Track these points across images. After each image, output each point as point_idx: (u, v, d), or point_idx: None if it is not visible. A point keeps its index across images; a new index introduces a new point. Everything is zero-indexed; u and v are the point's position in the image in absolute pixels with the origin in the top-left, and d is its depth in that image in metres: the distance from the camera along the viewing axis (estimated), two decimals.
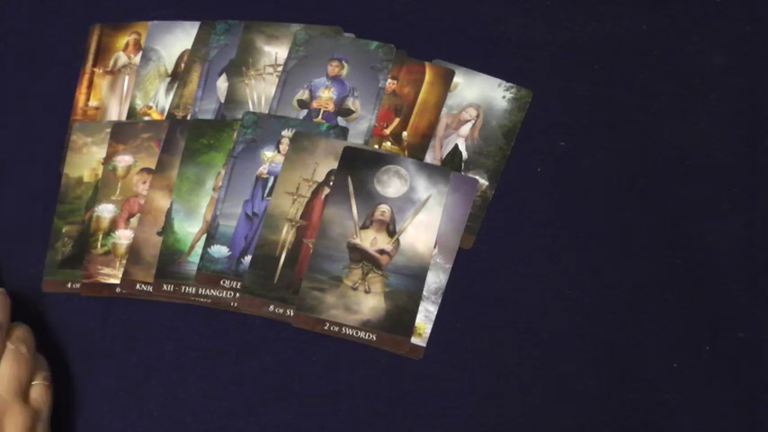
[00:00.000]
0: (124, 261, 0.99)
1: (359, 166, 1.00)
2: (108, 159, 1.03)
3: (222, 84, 1.05)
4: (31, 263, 1.00)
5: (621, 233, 0.98)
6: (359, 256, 0.97)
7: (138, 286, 0.98)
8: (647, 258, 0.97)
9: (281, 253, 0.98)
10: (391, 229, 0.98)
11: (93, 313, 0.98)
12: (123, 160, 1.03)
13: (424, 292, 0.96)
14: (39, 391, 0.89)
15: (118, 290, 0.98)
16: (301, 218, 0.99)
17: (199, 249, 0.99)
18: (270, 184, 1.00)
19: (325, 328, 0.96)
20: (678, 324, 0.95)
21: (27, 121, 1.06)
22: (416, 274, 0.97)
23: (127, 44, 1.08)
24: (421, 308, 0.96)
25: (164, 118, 1.05)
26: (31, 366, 0.89)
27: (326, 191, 0.99)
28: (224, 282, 0.97)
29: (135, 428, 0.94)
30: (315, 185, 1.00)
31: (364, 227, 0.98)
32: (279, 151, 1.01)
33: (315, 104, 1.04)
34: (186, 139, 1.02)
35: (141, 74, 1.07)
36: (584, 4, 1.08)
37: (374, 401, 0.94)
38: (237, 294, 0.97)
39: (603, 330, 0.95)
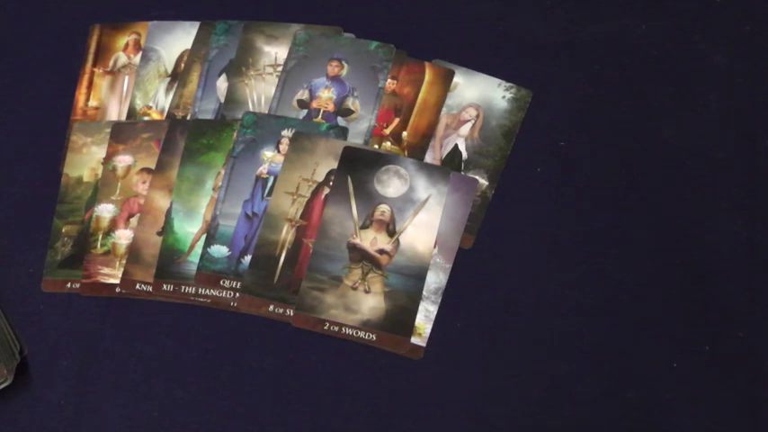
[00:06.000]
0: (124, 261, 0.99)
1: (359, 166, 1.00)
2: (108, 159, 1.03)
3: (222, 84, 1.05)
4: (31, 263, 1.00)
5: (621, 233, 0.98)
6: (359, 255, 0.97)
7: (137, 286, 0.98)
8: (647, 258, 0.97)
9: (280, 253, 0.98)
10: (391, 229, 0.98)
11: (93, 313, 0.98)
12: (123, 160, 1.03)
13: (424, 292, 0.96)
14: None
15: (118, 290, 0.98)
16: (301, 218, 0.99)
17: (199, 249, 0.99)
18: (270, 184, 1.00)
19: (326, 328, 0.96)
20: (678, 324, 0.95)
21: (27, 121, 1.06)
22: (416, 274, 0.97)
23: (127, 44, 1.08)
24: (421, 308, 0.96)
25: (164, 118, 1.05)
26: None
27: (326, 191, 0.99)
28: (224, 282, 0.97)
29: (135, 428, 0.94)
30: (315, 185, 1.00)
31: (364, 227, 0.98)
32: (279, 151, 1.01)
33: (315, 104, 1.03)
34: (186, 139, 1.02)
35: (141, 74, 1.07)
36: (584, 4, 1.08)
37: (374, 401, 0.94)
38: (237, 294, 0.97)
39: (603, 330, 0.95)
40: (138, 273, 0.99)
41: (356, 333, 0.95)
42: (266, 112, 1.03)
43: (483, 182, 1.00)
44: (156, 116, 1.05)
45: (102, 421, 0.94)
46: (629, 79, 1.04)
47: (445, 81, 1.04)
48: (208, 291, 0.97)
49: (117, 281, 0.99)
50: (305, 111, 1.03)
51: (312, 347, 0.96)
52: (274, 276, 0.97)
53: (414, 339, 0.95)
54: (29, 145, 1.05)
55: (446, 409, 0.94)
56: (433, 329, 0.96)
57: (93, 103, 1.07)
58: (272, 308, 0.96)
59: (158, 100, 1.06)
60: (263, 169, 1.01)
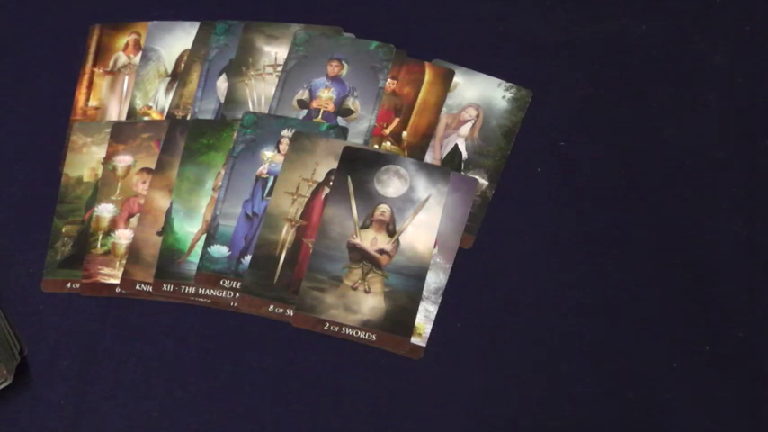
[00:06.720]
0: (124, 261, 0.99)
1: (359, 166, 1.00)
2: (108, 159, 1.03)
3: (222, 84, 1.05)
4: (31, 263, 1.00)
5: (621, 233, 0.98)
6: (359, 255, 0.97)
7: (137, 286, 0.98)
8: (647, 258, 0.97)
9: (280, 253, 0.98)
10: (391, 229, 0.98)
11: (93, 313, 0.98)
12: (123, 160, 1.03)
13: (424, 292, 0.96)
14: None
15: (118, 290, 0.98)
16: (301, 218, 0.99)
17: (199, 249, 0.99)
18: (270, 184, 1.00)
19: (326, 328, 0.96)
20: (678, 324, 0.95)
21: (27, 121, 1.06)
22: (416, 274, 0.97)
23: (127, 44, 1.08)
24: (421, 308, 0.96)
25: (164, 118, 1.05)
26: None
27: (326, 191, 0.99)
28: (224, 282, 0.97)
29: (135, 428, 0.94)
30: (315, 185, 1.00)
31: (364, 227, 0.98)
32: (279, 151, 1.01)
33: (315, 104, 1.04)
34: (186, 139, 1.02)
35: (141, 74, 1.07)
36: (584, 4, 1.08)
37: (374, 401, 0.94)
38: (237, 294, 0.97)
39: (603, 330, 0.95)
40: (138, 273, 0.99)
41: (356, 333, 0.95)
42: (266, 112, 1.03)
43: (483, 182, 1.00)
44: (156, 116, 1.05)
45: (102, 421, 0.94)
46: (629, 79, 1.04)
47: (445, 81, 1.04)
48: (208, 291, 0.97)
49: (117, 281, 0.99)
50: (305, 111, 1.03)
51: (312, 347, 0.96)
52: (274, 276, 0.97)
53: (414, 339, 0.95)
54: (29, 145, 1.05)
55: (446, 409, 0.94)
56: (433, 329, 0.95)
57: (93, 103, 1.07)
58: (272, 308, 0.96)
59: (158, 100, 1.06)
60: (263, 169, 1.01)
